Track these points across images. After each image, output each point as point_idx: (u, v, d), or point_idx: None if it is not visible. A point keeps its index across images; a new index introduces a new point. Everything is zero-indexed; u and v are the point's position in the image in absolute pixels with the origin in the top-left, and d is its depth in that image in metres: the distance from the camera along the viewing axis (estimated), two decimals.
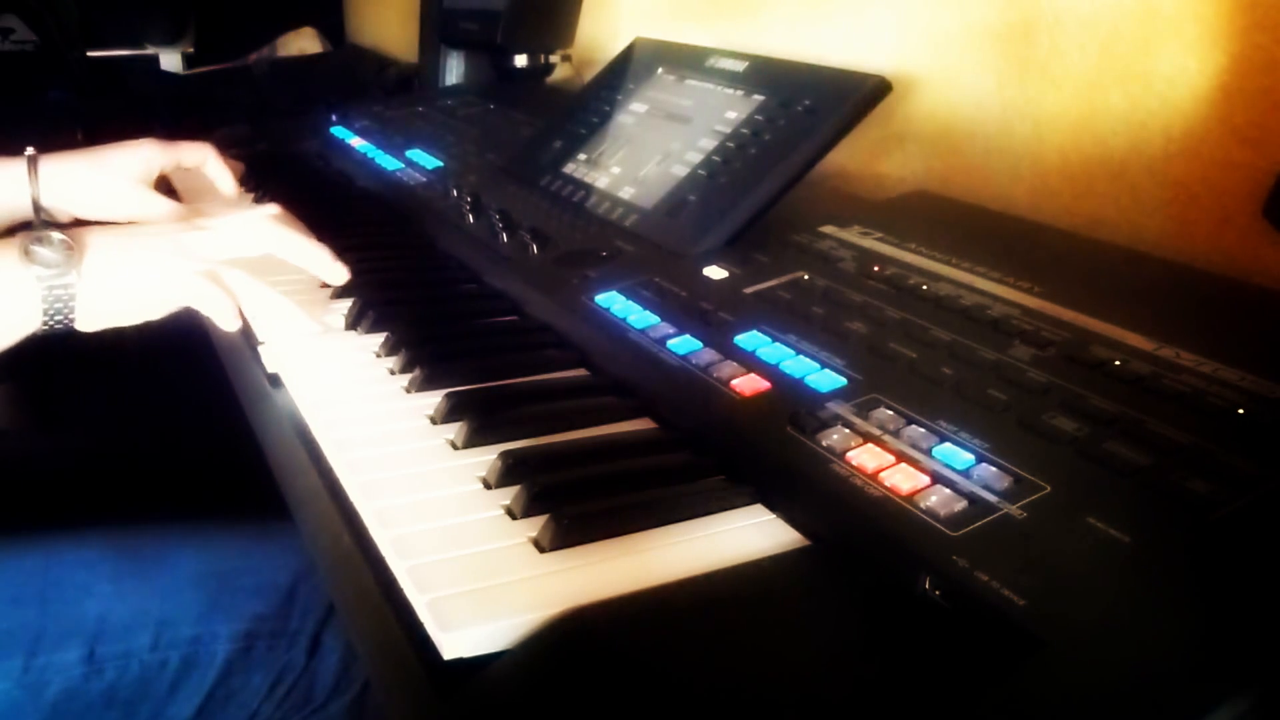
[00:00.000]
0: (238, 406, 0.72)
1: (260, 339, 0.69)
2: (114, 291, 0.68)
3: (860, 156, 0.96)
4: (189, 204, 0.78)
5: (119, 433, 0.97)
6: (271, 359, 0.67)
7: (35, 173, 0.86)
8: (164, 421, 0.99)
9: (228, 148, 1.23)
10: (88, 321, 0.67)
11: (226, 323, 0.70)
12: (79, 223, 0.92)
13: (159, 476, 0.89)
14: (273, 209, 0.77)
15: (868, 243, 0.73)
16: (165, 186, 1.04)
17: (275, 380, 0.67)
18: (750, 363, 0.58)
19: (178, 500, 0.82)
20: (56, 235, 0.65)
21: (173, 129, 1.14)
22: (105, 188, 0.90)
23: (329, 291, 0.79)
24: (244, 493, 0.74)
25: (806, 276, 0.68)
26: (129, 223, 0.78)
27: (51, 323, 0.66)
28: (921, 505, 0.44)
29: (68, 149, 0.97)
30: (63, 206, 0.89)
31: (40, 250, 0.64)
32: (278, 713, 0.76)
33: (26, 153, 0.87)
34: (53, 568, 0.72)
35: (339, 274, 0.75)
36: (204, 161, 1.00)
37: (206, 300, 0.69)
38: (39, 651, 0.68)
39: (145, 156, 0.93)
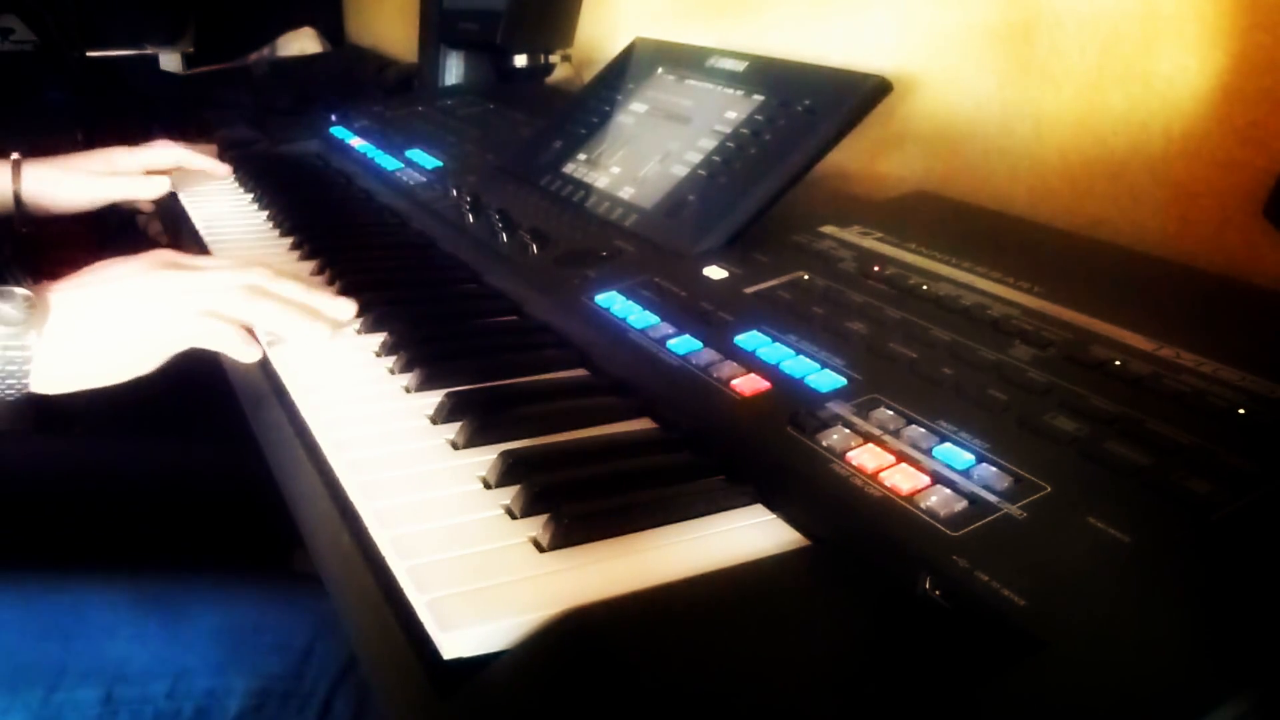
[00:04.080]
0: (235, 408, 0.72)
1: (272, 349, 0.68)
2: (81, 354, 0.65)
3: (860, 156, 0.96)
4: (166, 252, 0.73)
5: (129, 447, 0.98)
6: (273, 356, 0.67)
7: (19, 174, 0.98)
8: (170, 430, 1.01)
9: (228, 148, 1.24)
10: (47, 385, 0.64)
11: (243, 355, 0.68)
12: (53, 219, 1.04)
13: (184, 523, 0.90)
14: (259, 275, 0.70)
15: (868, 243, 0.73)
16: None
17: (272, 372, 0.67)
18: (750, 363, 0.58)
19: (202, 550, 0.83)
20: (20, 291, 0.62)
21: (172, 129, 1.15)
22: (70, 183, 1.01)
23: (333, 289, 0.79)
24: (267, 548, 0.74)
25: (806, 276, 0.68)
26: (115, 262, 0.74)
27: (2, 388, 0.62)
28: (922, 505, 0.44)
29: (67, 149, 1.04)
30: (39, 201, 1.00)
31: (1, 307, 0.61)
32: None
33: (12, 157, 0.99)
34: (80, 606, 0.72)
35: (343, 313, 0.71)
36: (175, 163, 1.09)
37: (213, 337, 0.67)
38: (60, 687, 0.68)
39: (108, 155, 1.05)
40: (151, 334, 0.67)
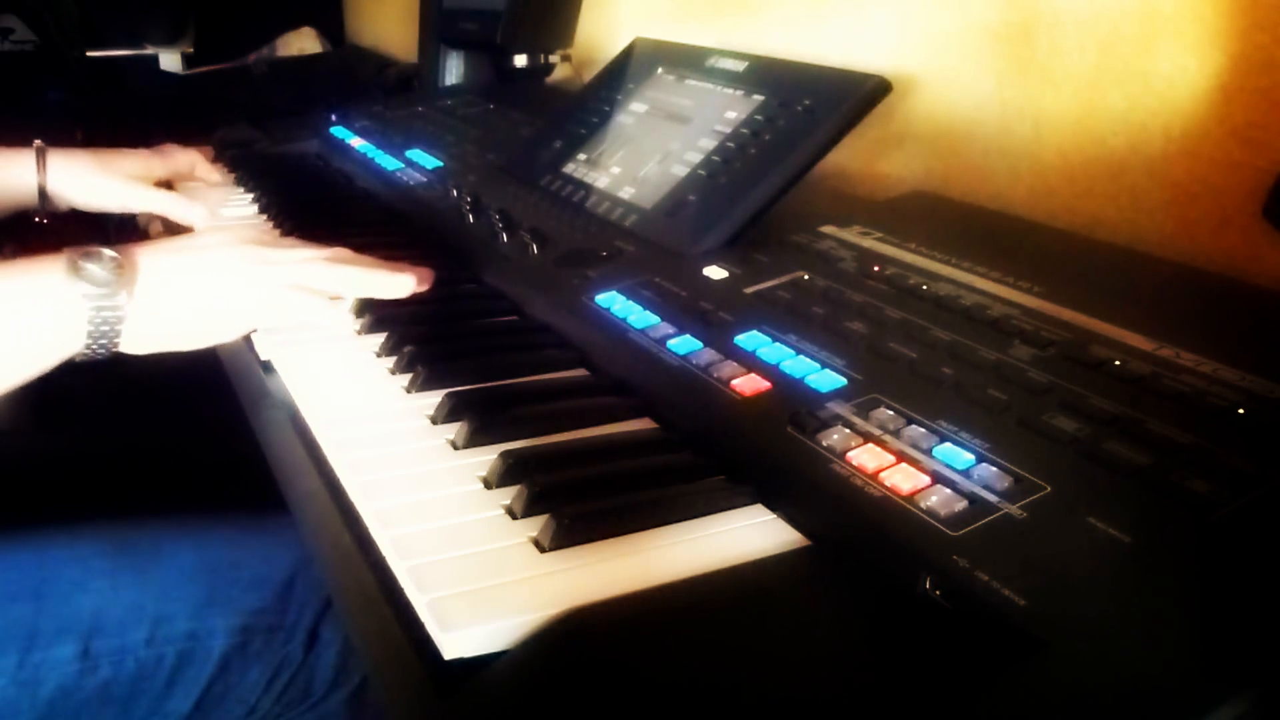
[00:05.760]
0: (231, 399, 0.72)
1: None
2: (169, 316, 0.65)
3: (860, 156, 0.96)
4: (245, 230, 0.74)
5: (115, 428, 0.97)
6: (267, 349, 0.67)
7: (44, 164, 0.96)
8: (160, 415, 1.00)
9: (228, 148, 1.24)
10: (135, 345, 0.65)
11: (329, 320, 0.70)
12: (74, 214, 1.02)
13: (153, 471, 0.89)
14: (335, 251, 0.73)
15: (868, 243, 0.73)
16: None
17: (272, 372, 0.67)
18: (750, 363, 0.58)
19: (172, 495, 0.82)
20: (107, 252, 0.62)
21: (172, 129, 1.16)
22: (104, 184, 0.99)
23: None
24: (239, 486, 0.74)
25: (806, 276, 0.68)
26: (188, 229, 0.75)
27: (95, 346, 0.63)
28: (922, 505, 0.44)
29: (67, 148, 1.03)
30: (64, 195, 0.98)
31: (89, 267, 0.61)
32: (276, 707, 0.76)
33: (35, 144, 0.97)
34: (47, 564, 0.71)
35: (406, 285, 0.72)
36: (193, 166, 1.12)
37: (298, 309, 0.68)
38: (34, 648, 0.68)
39: (145, 162, 1.04)
40: (238, 303, 0.67)
